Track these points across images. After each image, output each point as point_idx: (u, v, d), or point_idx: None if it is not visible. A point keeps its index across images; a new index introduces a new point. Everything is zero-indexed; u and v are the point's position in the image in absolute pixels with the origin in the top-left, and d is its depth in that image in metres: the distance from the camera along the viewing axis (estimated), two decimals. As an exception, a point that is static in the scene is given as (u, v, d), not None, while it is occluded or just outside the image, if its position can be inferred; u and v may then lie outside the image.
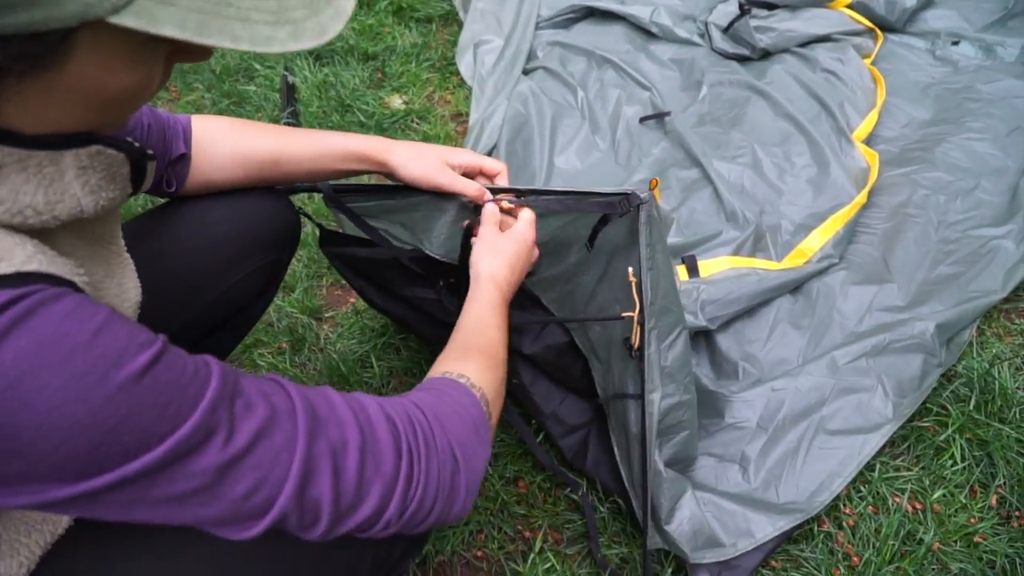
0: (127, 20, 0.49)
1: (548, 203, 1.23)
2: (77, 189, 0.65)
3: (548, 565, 1.42)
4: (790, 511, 1.43)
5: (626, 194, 1.14)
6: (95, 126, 0.64)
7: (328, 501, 0.67)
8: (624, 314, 1.20)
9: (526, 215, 1.21)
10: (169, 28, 0.50)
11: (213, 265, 1.18)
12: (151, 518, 0.61)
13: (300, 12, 0.55)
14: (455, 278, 1.34)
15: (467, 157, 1.26)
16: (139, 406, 0.56)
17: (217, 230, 1.18)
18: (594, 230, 1.22)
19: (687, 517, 1.36)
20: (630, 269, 1.19)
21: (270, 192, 1.26)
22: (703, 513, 1.38)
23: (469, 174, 1.27)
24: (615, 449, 1.42)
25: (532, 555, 1.43)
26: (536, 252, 1.24)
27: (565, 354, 1.46)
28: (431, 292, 1.42)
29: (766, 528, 1.39)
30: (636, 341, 1.21)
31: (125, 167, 0.74)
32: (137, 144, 0.75)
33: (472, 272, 1.13)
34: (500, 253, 1.13)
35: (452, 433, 0.79)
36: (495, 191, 1.25)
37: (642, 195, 1.12)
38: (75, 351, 0.54)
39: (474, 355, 0.95)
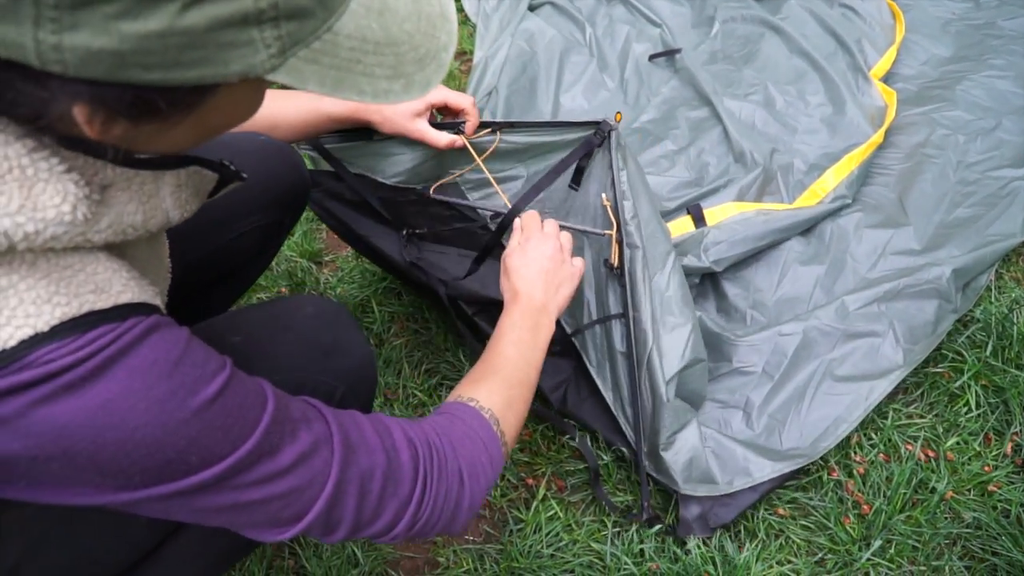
0: (279, 77, 0.55)
1: (531, 141, 1.31)
2: (169, 205, 0.69)
3: (551, 512, 1.40)
4: (792, 456, 1.40)
5: (597, 123, 1.25)
6: (198, 145, 0.68)
7: (350, 517, 0.74)
8: (605, 232, 1.26)
9: (528, 222, 1.24)
10: (312, 84, 0.56)
11: (207, 223, 1.14)
12: (186, 518, 0.68)
13: (411, 67, 0.61)
14: (415, 227, 1.45)
15: (433, 95, 1.32)
16: (208, 428, 0.63)
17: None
18: (578, 168, 1.30)
19: (686, 447, 1.34)
20: (603, 194, 1.26)
21: (278, 151, 1.23)
22: (703, 447, 1.36)
23: (439, 110, 1.36)
24: (599, 381, 1.39)
25: (535, 502, 1.41)
26: (568, 256, 1.23)
27: None
28: (394, 240, 1.47)
29: (765, 470, 1.37)
30: (615, 260, 1.27)
31: (211, 184, 0.78)
32: (232, 167, 0.79)
33: (502, 290, 1.20)
34: (521, 269, 1.18)
35: (463, 456, 0.85)
36: (469, 130, 1.33)
37: (611, 123, 1.25)
38: (160, 379, 0.60)
39: (487, 377, 1.01)
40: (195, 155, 0.71)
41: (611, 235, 1.25)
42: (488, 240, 1.39)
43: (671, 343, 1.31)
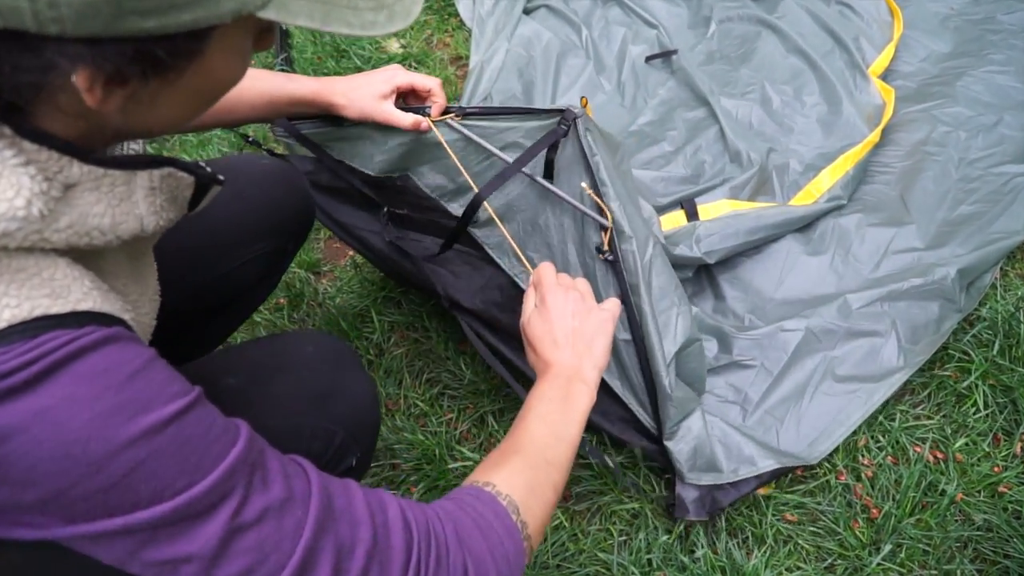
0: (270, 13, 0.55)
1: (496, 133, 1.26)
2: (143, 209, 0.65)
3: (557, 522, 1.38)
4: (789, 455, 1.39)
5: (561, 110, 1.20)
6: (187, 123, 0.66)
7: None
8: (600, 219, 1.21)
9: (541, 278, 1.06)
10: (302, 19, 0.56)
11: (209, 248, 1.12)
12: (144, 573, 0.60)
13: None
14: (396, 207, 1.42)
15: (399, 79, 1.26)
16: (160, 455, 0.57)
17: (216, 212, 1.11)
18: (547, 161, 1.25)
19: (690, 435, 1.32)
20: (583, 184, 1.21)
21: (282, 175, 1.20)
22: (708, 435, 1.34)
23: (406, 94, 1.29)
24: (605, 375, 1.35)
25: (540, 512, 1.39)
26: (592, 304, 1.05)
27: (507, 309, 1.40)
28: (374, 225, 1.46)
29: (768, 460, 1.36)
30: (607, 244, 1.22)
31: (189, 190, 0.73)
32: (209, 170, 0.74)
33: (530, 364, 1.05)
34: (543, 336, 1.01)
35: (470, 549, 0.73)
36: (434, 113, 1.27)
37: (576, 110, 1.19)
38: (107, 390, 0.55)
39: (508, 458, 0.86)
40: (169, 157, 0.68)
41: (607, 224, 1.20)
42: (457, 225, 1.33)
43: (665, 325, 1.28)
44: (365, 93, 1.24)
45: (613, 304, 1.07)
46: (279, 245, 1.22)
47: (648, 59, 2.24)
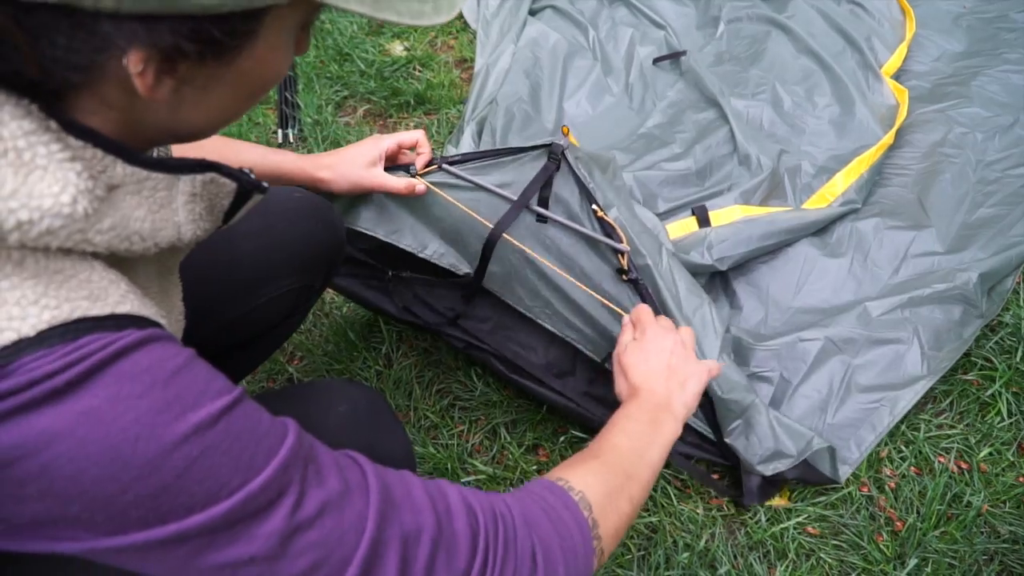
0: None
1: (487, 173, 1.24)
2: (182, 217, 0.63)
3: (573, 537, 1.34)
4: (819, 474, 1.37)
5: (547, 145, 1.18)
6: (228, 122, 0.65)
7: None
8: (619, 245, 1.20)
9: (642, 316, 1.10)
10: (354, 3, 0.55)
11: (235, 284, 1.08)
12: None
13: None
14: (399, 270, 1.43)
15: (384, 143, 1.22)
16: (212, 452, 0.54)
17: (243, 246, 1.07)
18: (542, 197, 1.22)
19: (756, 428, 1.31)
20: (593, 207, 1.20)
21: (314, 208, 1.15)
22: (770, 425, 1.32)
23: (394, 155, 1.25)
24: None
25: (555, 527, 1.35)
26: (692, 352, 1.07)
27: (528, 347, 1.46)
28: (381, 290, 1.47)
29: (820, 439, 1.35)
30: (626, 264, 1.21)
31: (228, 199, 0.70)
32: (253, 176, 0.71)
33: (618, 392, 1.04)
34: (639, 365, 1.02)
35: (538, 535, 0.70)
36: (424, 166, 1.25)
37: (561, 142, 1.18)
38: (153, 387, 0.52)
39: (586, 461, 0.83)
40: (212, 162, 0.65)
41: (623, 248, 1.20)
42: (477, 267, 1.32)
43: (703, 324, 1.28)
44: (353, 164, 1.21)
45: (712, 363, 1.07)
46: (307, 282, 1.17)
47: (656, 61, 2.21)
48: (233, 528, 0.55)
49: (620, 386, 1.02)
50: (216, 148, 1.10)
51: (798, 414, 1.45)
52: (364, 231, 1.30)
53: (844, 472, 1.38)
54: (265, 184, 0.73)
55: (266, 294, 1.12)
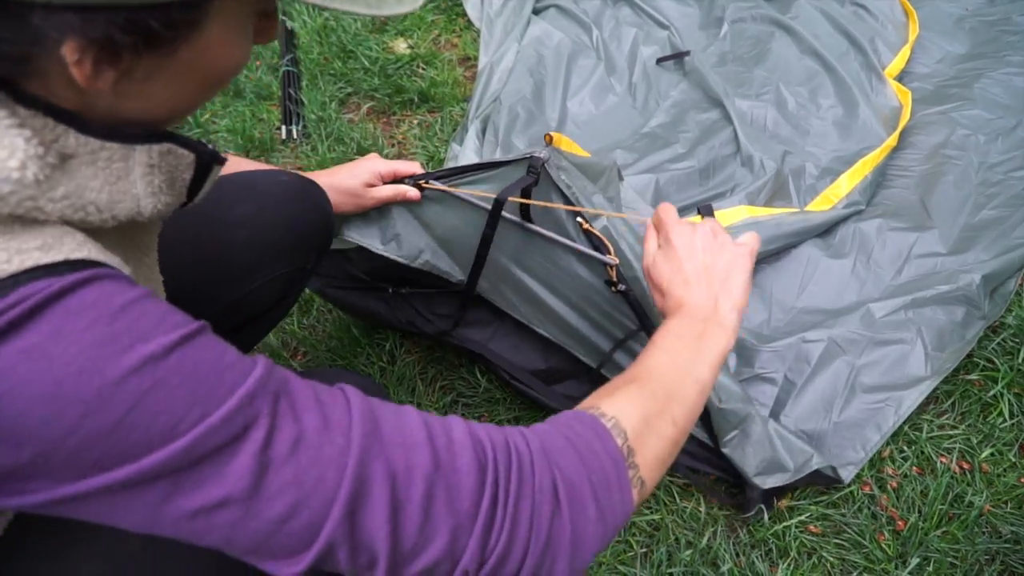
0: None
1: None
2: (140, 189, 0.60)
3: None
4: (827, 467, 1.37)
5: (527, 157, 1.14)
6: (186, 111, 0.63)
7: (384, 536, 0.57)
8: (607, 256, 1.16)
9: (666, 215, 0.97)
10: None
11: (225, 269, 1.08)
12: (176, 533, 0.54)
13: None
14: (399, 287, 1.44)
15: (379, 166, 1.26)
16: (165, 384, 0.51)
17: (237, 234, 1.08)
18: (522, 207, 1.20)
19: (750, 440, 1.30)
20: (579, 219, 1.16)
21: (302, 190, 1.16)
22: (767, 436, 1.31)
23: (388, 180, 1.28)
24: None
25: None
26: (725, 238, 0.95)
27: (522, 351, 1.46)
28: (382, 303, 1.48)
29: (820, 458, 1.35)
30: (614, 276, 1.16)
31: (188, 172, 0.67)
32: (211, 147, 0.68)
33: (658, 308, 0.95)
34: (671, 274, 0.90)
35: (560, 466, 0.63)
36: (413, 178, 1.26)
37: (540, 154, 1.13)
38: (99, 320, 0.50)
39: (621, 387, 0.75)
40: (169, 132, 0.63)
41: (614, 259, 1.16)
42: (478, 251, 1.28)
43: None
44: (349, 188, 1.24)
45: (751, 238, 0.95)
46: (299, 264, 1.18)
47: (660, 60, 2.22)
48: (198, 466, 0.52)
49: (659, 302, 0.92)
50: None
51: (802, 415, 1.44)
52: (357, 243, 1.32)
53: (848, 473, 1.38)
54: (224, 155, 0.70)
55: (260, 278, 1.12)
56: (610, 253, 1.16)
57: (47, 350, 0.48)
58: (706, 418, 1.30)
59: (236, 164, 1.17)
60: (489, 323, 1.46)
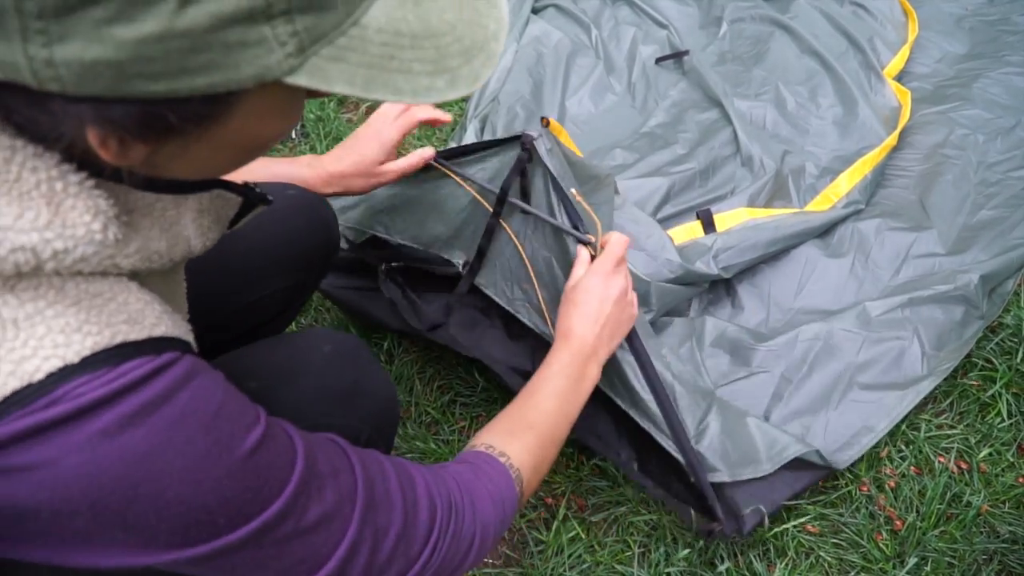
0: (300, 80, 0.49)
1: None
2: (191, 232, 0.65)
3: (573, 533, 1.35)
4: (816, 467, 1.34)
5: (518, 136, 1.17)
6: (230, 171, 0.63)
7: (357, 574, 0.69)
8: (588, 235, 1.15)
9: (613, 250, 1.10)
10: (340, 86, 0.50)
11: (225, 282, 1.08)
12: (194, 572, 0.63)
13: (456, 60, 0.54)
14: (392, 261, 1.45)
15: (390, 135, 1.20)
16: (241, 488, 0.58)
17: (236, 246, 1.05)
18: (521, 188, 1.22)
19: (719, 429, 1.27)
20: (572, 189, 1.16)
21: (308, 206, 1.14)
22: (735, 427, 1.29)
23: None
24: (617, 399, 1.28)
25: (556, 523, 1.36)
26: (632, 297, 1.13)
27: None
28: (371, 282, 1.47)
29: (800, 446, 1.30)
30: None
31: (235, 210, 0.72)
32: (258, 190, 0.73)
33: (557, 324, 1.09)
34: (583, 306, 1.06)
35: (480, 516, 0.80)
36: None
37: (533, 133, 1.16)
38: (199, 432, 0.56)
39: (523, 432, 0.93)
40: (218, 179, 0.66)
41: (595, 240, 1.14)
42: (462, 282, 1.35)
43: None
44: (366, 168, 1.20)
45: (635, 308, 1.14)
46: (299, 280, 1.17)
47: (659, 60, 2.22)
48: (244, 546, 0.60)
49: (561, 317, 1.07)
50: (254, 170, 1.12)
51: (797, 410, 1.44)
52: (359, 228, 1.31)
53: (844, 459, 1.36)
54: (270, 197, 0.75)
55: (259, 293, 1.12)
56: (596, 235, 1.14)
57: (158, 460, 0.54)
58: (669, 408, 1.23)
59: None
60: (477, 324, 1.46)
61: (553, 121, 1.24)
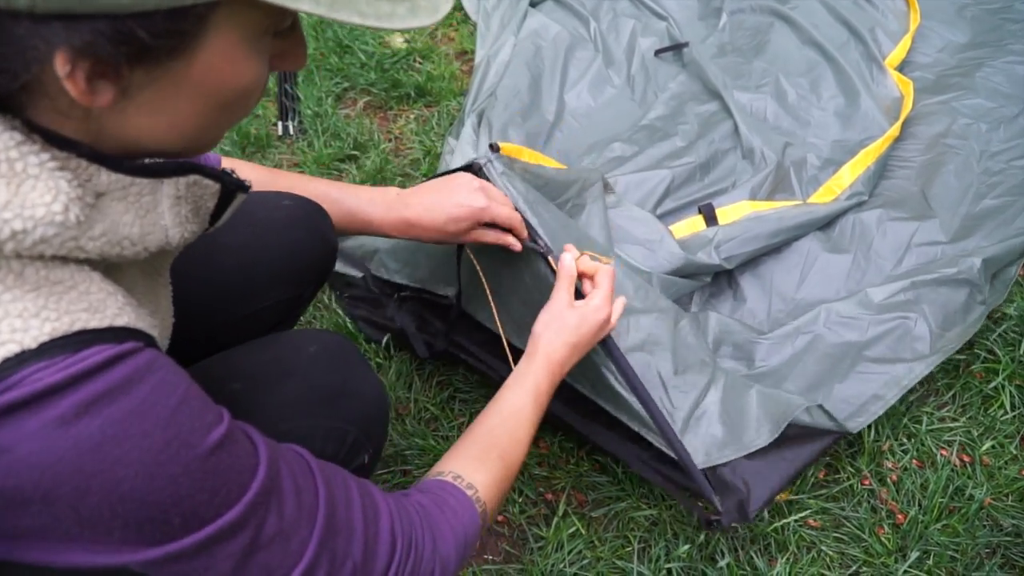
0: None
1: None
2: (168, 220, 0.63)
3: (573, 529, 1.34)
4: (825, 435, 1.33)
5: (468, 165, 1.18)
6: (202, 137, 0.62)
7: None
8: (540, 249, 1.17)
9: (603, 285, 1.10)
10: (306, 3, 0.51)
11: (221, 293, 1.06)
12: None
13: None
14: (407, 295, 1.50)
15: (484, 212, 1.12)
16: (195, 488, 0.57)
17: (231, 258, 1.05)
18: None
19: (708, 416, 1.27)
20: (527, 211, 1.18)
21: (305, 217, 1.12)
22: (735, 403, 1.28)
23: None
24: (608, 406, 1.29)
25: (556, 519, 1.35)
26: (609, 327, 1.12)
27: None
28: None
29: (806, 416, 1.29)
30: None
31: (213, 201, 0.70)
32: (235, 176, 0.71)
33: (531, 339, 1.06)
34: (564, 329, 1.05)
35: (441, 553, 0.78)
36: None
37: (480, 159, 1.17)
38: (156, 427, 0.55)
39: (492, 462, 0.91)
40: (194, 163, 0.65)
41: (546, 254, 1.15)
42: (452, 312, 1.41)
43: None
44: (446, 231, 1.13)
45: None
46: (296, 293, 1.15)
47: (658, 52, 2.20)
48: (197, 553, 0.59)
49: (539, 327, 1.06)
50: (290, 183, 1.12)
51: (805, 387, 1.42)
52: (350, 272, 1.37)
53: (856, 425, 1.34)
54: (248, 183, 0.73)
55: (256, 305, 1.10)
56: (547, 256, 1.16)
57: (112, 452, 0.53)
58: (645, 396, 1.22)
59: (242, 169, 1.13)
60: (482, 331, 1.45)
61: (507, 145, 1.23)
